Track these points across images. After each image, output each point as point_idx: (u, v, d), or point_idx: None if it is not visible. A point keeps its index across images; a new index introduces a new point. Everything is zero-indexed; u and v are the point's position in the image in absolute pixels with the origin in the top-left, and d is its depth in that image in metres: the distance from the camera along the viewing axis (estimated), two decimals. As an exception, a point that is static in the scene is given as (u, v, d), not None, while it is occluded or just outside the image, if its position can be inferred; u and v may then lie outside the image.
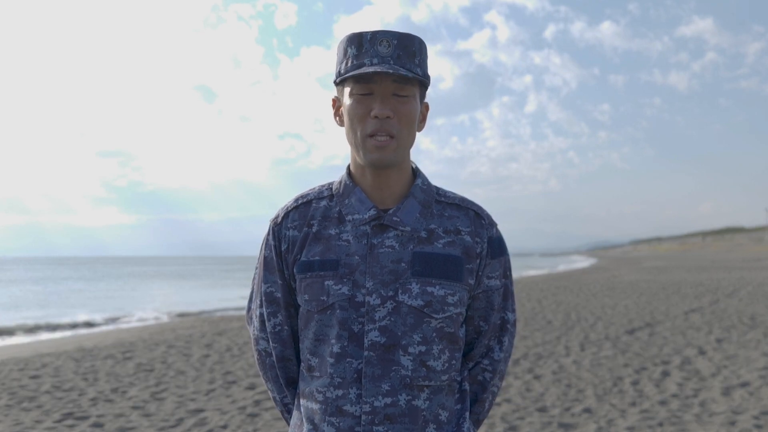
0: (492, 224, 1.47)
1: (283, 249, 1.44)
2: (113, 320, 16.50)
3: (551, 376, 6.77)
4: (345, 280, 1.36)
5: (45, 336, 13.37)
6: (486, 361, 1.48)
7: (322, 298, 1.37)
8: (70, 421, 5.26)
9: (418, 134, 1.43)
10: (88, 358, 8.51)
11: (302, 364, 1.45)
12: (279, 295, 1.46)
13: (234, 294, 28.42)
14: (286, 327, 1.48)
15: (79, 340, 11.54)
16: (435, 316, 1.36)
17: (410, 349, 1.35)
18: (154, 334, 11.45)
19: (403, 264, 1.37)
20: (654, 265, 43.86)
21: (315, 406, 1.38)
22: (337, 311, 1.36)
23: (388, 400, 1.33)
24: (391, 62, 1.33)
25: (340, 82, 1.40)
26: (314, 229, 1.42)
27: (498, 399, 5.86)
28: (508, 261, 1.51)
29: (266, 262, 1.48)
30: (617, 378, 6.61)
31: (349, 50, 1.36)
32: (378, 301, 1.35)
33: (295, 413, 1.47)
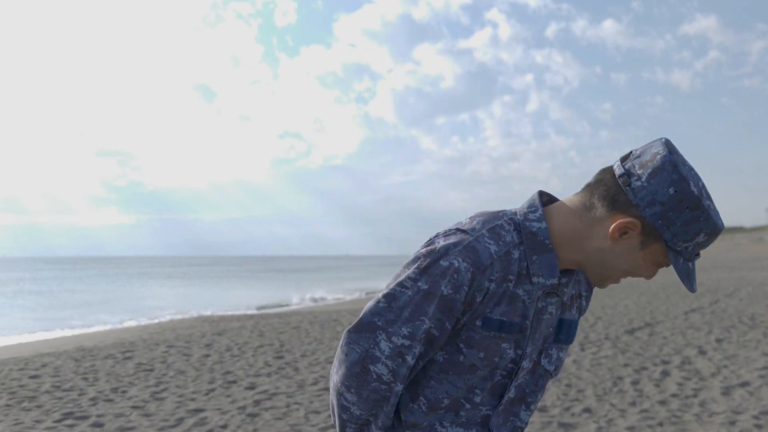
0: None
1: (477, 300, 1.26)
2: (113, 321, 16.50)
3: (551, 375, 6.77)
4: (516, 344, 1.31)
5: (45, 336, 13.37)
6: None
7: (495, 359, 1.31)
8: (70, 421, 5.26)
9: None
10: (88, 357, 8.51)
11: (420, 398, 1.34)
12: (438, 338, 1.29)
13: (234, 294, 28.43)
14: (415, 368, 1.35)
15: (79, 340, 11.54)
16: (555, 377, 1.43)
17: (531, 406, 1.40)
18: (154, 334, 11.44)
19: (551, 329, 1.36)
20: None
21: None
22: (498, 371, 1.33)
23: None
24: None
25: (661, 240, 1.24)
26: (510, 286, 1.28)
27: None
28: None
29: (444, 301, 1.25)
30: (617, 378, 6.61)
31: (702, 237, 1.22)
32: (529, 366, 1.35)
33: None
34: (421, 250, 1.29)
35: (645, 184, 1.18)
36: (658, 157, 1.19)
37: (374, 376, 1.28)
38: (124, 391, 6.38)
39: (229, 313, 17.19)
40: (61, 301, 25.01)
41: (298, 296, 25.83)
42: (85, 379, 7.04)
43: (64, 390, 6.48)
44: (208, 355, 8.49)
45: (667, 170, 1.17)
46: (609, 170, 1.27)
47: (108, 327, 14.92)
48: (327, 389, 6.34)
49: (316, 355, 8.46)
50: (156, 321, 15.84)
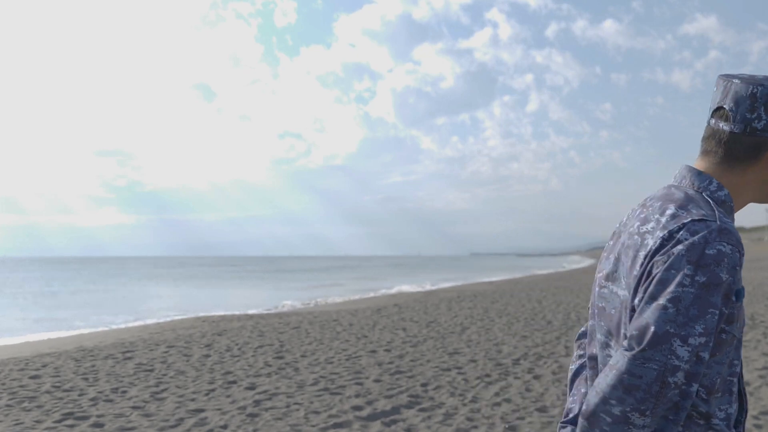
0: None
1: (739, 277, 1.31)
2: (113, 321, 16.50)
3: (551, 376, 6.77)
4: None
5: (45, 336, 13.37)
6: None
7: (742, 326, 1.37)
8: (70, 421, 5.26)
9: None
10: (88, 358, 8.52)
11: (698, 389, 1.34)
12: (717, 327, 1.29)
13: (234, 294, 28.44)
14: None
15: (79, 340, 11.54)
16: None
17: None
18: (154, 334, 11.44)
19: None
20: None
21: (719, 423, 1.35)
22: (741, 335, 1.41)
23: None
24: None
25: None
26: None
27: (498, 399, 5.86)
28: None
29: (725, 287, 1.28)
30: (617, 378, 6.61)
31: None
32: None
33: None
34: (675, 249, 1.29)
35: (765, 116, 1.34)
36: (749, 92, 1.34)
37: (672, 387, 1.25)
38: (124, 392, 6.38)
39: (229, 313, 17.20)
40: (62, 301, 25.01)
41: (298, 296, 25.84)
42: (86, 379, 7.04)
43: (65, 390, 6.48)
44: (208, 356, 8.49)
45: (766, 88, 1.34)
46: (719, 133, 1.39)
47: (108, 327, 14.91)
48: (327, 389, 6.33)
49: (316, 355, 8.46)
50: (156, 321, 15.84)
